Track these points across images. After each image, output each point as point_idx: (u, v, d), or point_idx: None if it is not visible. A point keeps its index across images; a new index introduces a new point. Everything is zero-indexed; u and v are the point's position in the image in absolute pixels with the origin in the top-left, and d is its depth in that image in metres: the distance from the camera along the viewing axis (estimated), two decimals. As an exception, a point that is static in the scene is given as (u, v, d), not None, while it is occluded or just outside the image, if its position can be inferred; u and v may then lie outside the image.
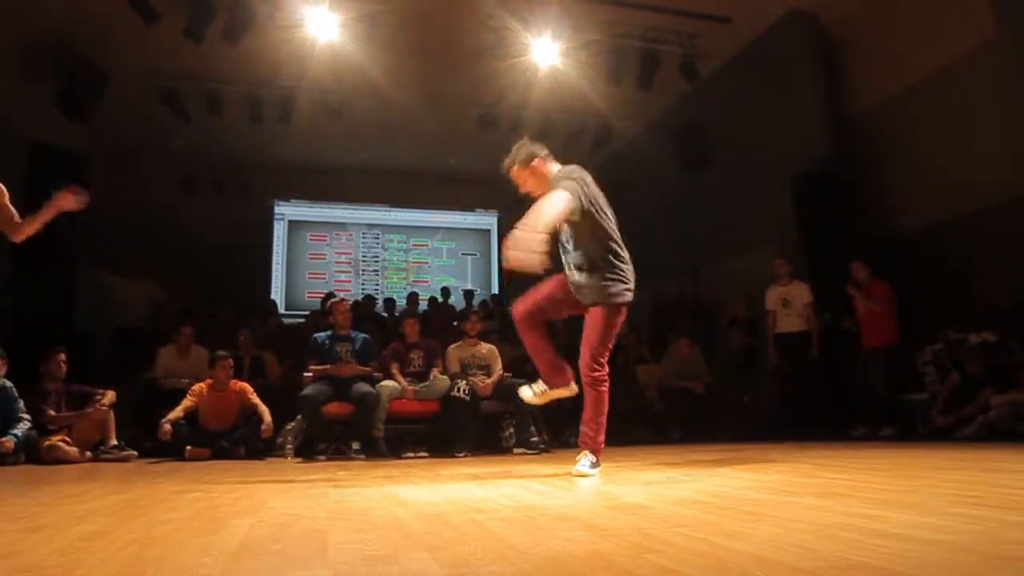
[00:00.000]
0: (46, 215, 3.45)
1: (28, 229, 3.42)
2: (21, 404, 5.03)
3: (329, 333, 5.66)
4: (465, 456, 5.10)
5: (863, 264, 6.46)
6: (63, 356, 5.45)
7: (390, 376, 5.60)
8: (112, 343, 8.10)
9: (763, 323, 7.11)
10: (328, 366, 5.38)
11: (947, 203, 6.54)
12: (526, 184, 3.39)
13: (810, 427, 6.35)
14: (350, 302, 5.93)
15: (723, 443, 6.13)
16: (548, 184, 3.23)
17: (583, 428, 3.36)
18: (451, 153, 10.90)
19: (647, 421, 6.84)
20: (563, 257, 3.39)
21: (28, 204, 7.03)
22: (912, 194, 6.97)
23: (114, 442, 5.32)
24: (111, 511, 2.36)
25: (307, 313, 9.47)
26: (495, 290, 12.28)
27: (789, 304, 6.74)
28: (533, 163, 3.33)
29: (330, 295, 9.73)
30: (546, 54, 8.02)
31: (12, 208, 3.41)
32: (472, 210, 12.71)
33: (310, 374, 5.43)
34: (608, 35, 8.14)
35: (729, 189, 8.65)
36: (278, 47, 7.90)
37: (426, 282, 12.04)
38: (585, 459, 3.26)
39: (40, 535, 1.86)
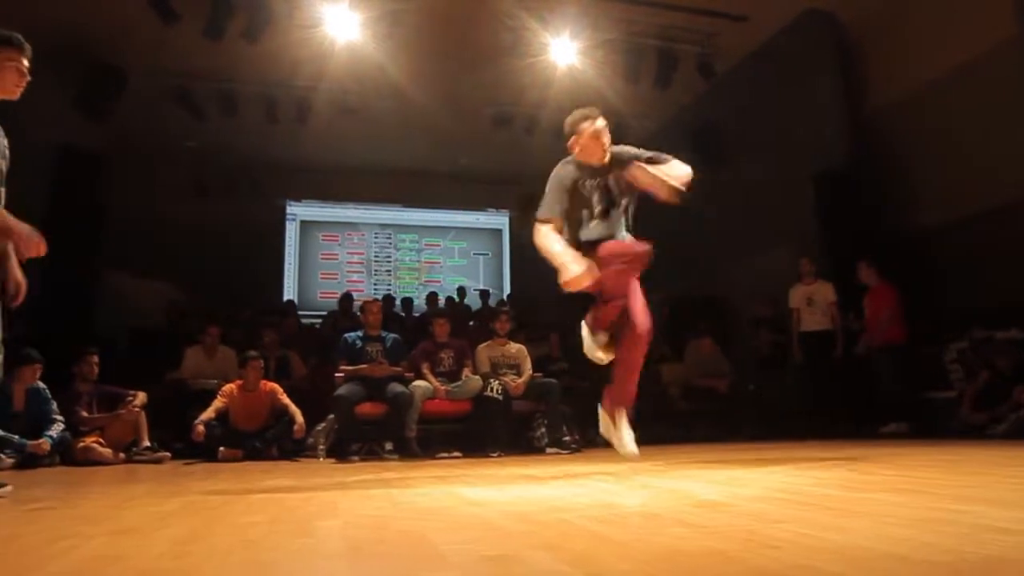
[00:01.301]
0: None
1: None
2: (55, 405, 5.04)
3: (360, 333, 5.66)
4: (499, 456, 5.11)
5: (867, 265, 6.50)
6: (95, 358, 5.46)
7: (420, 376, 5.60)
8: (130, 344, 8.09)
9: (787, 322, 7.12)
10: (363, 366, 5.38)
11: (969, 200, 6.55)
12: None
13: (833, 425, 6.38)
14: (380, 302, 5.91)
15: (749, 441, 6.15)
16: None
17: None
18: (464, 153, 10.91)
19: (671, 420, 6.85)
20: (604, 225, 3.43)
21: (53, 207, 7.07)
22: (932, 191, 6.99)
23: (147, 443, 5.32)
24: (187, 513, 2.36)
25: (324, 313, 9.48)
26: (507, 290, 12.29)
27: (813, 303, 6.77)
28: None
29: (347, 296, 9.74)
30: (564, 53, 8.03)
31: None
32: (484, 210, 12.71)
33: (341, 374, 5.43)
34: (625, 34, 8.15)
35: (745, 188, 8.66)
36: (297, 47, 7.89)
37: (438, 282, 12.04)
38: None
39: (133, 538, 1.86)
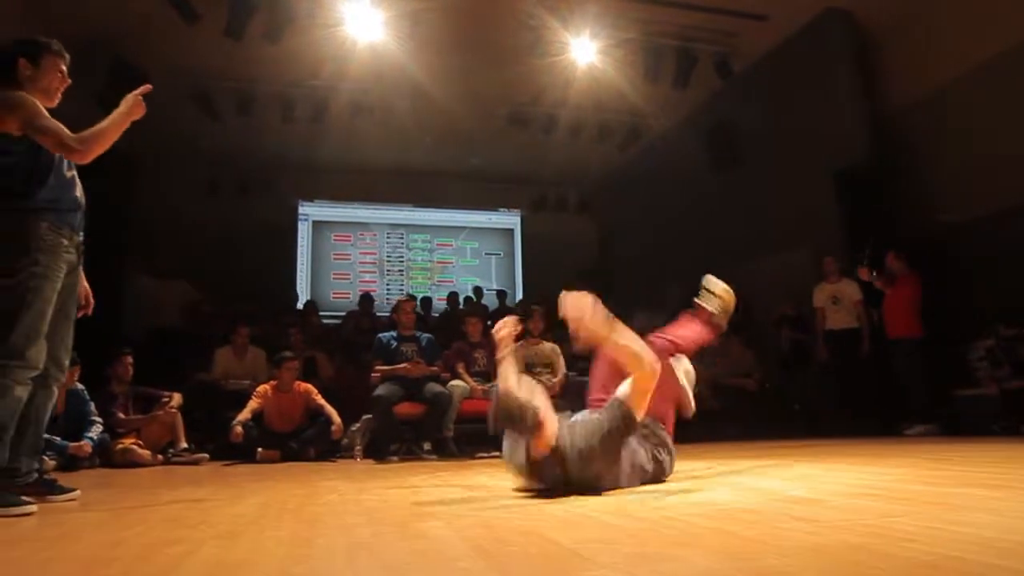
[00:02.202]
0: (119, 125, 2.84)
1: (94, 146, 2.76)
2: (93, 407, 5.02)
3: (394, 333, 5.65)
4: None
5: (897, 256, 6.53)
6: (130, 359, 5.45)
7: (456, 376, 5.59)
8: (150, 344, 8.06)
9: (812, 320, 7.14)
10: (402, 365, 5.37)
11: (991, 198, 6.58)
12: None
13: (860, 423, 6.40)
14: (414, 302, 5.90)
15: (781, 440, 6.16)
16: None
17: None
18: (479, 152, 10.90)
19: (700, 419, 6.84)
20: None
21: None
22: (953, 190, 7.01)
23: (184, 445, 5.31)
24: (269, 514, 2.35)
25: (342, 314, 9.46)
26: (520, 290, 12.30)
27: (839, 301, 6.79)
28: None
29: (367, 296, 9.75)
30: (584, 53, 8.03)
31: (52, 125, 2.71)
32: (496, 209, 12.71)
33: (377, 374, 5.42)
34: (645, 33, 8.15)
35: (764, 187, 8.67)
36: (317, 46, 7.87)
37: (451, 282, 12.04)
38: None
39: (242, 542, 1.85)
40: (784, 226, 8.33)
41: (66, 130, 2.70)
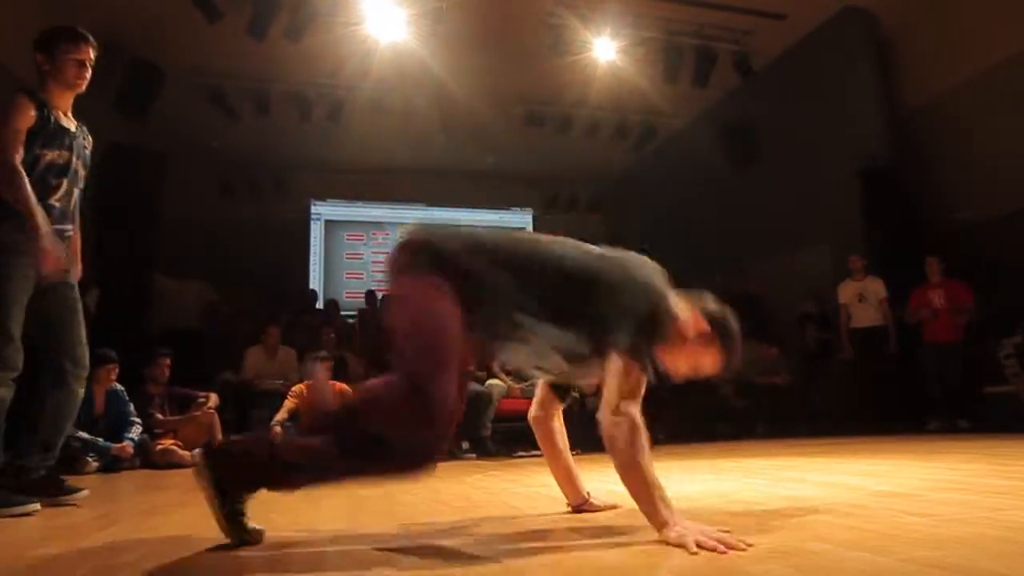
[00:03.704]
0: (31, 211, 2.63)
1: (4, 183, 2.60)
2: (132, 408, 5.00)
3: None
4: (578, 454, 5.09)
5: (936, 260, 6.57)
6: (167, 360, 5.43)
7: (491, 374, 5.60)
8: (170, 345, 8.03)
9: (835, 318, 7.17)
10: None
11: (1011, 196, 6.62)
12: None
13: (883, 420, 6.44)
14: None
15: (810, 438, 6.20)
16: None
17: None
18: (494, 151, 10.89)
19: (726, 418, 6.89)
20: None
21: (106, 205, 7.02)
22: (974, 188, 7.05)
23: (222, 445, 5.29)
24: (363, 511, 2.36)
25: (354, 313, 9.45)
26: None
27: (865, 299, 6.82)
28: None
29: (371, 293, 9.74)
30: (604, 52, 8.05)
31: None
32: (508, 208, 12.71)
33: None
34: (664, 32, 8.18)
35: (782, 185, 8.70)
36: (338, 45, 7.86)
37: (463, 281, 11.98)
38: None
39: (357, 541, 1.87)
40: (802, 224, 8.36)
41: (11, 151, 2.61)
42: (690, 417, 6.67)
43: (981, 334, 6.46)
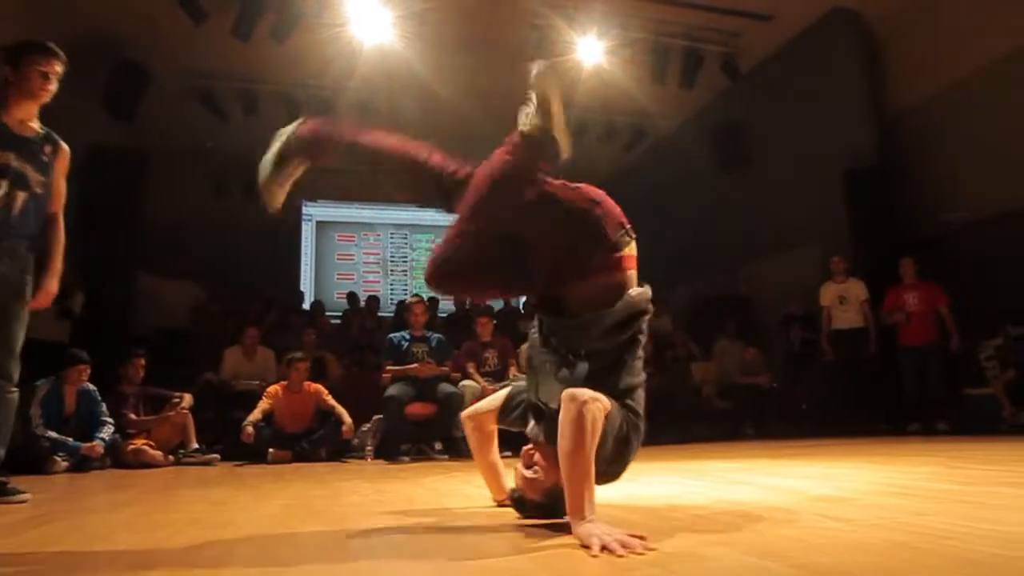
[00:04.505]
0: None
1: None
2: (104, 407, 5.01)
3: (405, 334, 5.64)
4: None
5: (911, 261, 6.53)
6: (142, 360, 5.44)
7: (466, 376, 5.59)
8: (157, 344, 8.05)
9: (818, 320, 7.14)
10: (412, 366, 5.37)
11: (998, 197, 6.59)
12: None
13: (864, 422, 6.42)
14: (425, 303, 5.88)
15: (789, 439, 6.18)
16: None
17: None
18: (484, 152, 10.87)
19: (707, 419, 6.86)
20: None
21: (89, 207, 7.05)
22: (961, 189, 7.02)
23: (195, 445, 5.30)
24: (295, 516, 2.36)
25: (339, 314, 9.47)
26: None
27: (845, 300, 6.79)
28: None
29: (352, 295, 9.77)
30: (590, 52, 8.03)
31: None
32: (500, 209, 12.68)
33: (387, 375, 5.41)
34: (651, 33, 8.16)
35: (771, 186, 8.68)
36: (324, 46, 7.87)
37: (455, 282, 11.98)
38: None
39: (280, 542, 1.86)
40: (791, 225, 8.34)
41: None
42: (667, 417, 6.63)
43: (961, 336, 6.42)
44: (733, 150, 8.96)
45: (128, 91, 7.77)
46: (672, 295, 9.68)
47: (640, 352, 1.88)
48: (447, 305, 9.28)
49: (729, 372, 7.44)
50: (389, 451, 5.25)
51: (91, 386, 4.97)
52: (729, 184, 9.15)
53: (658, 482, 2.99)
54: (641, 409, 1.83)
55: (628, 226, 1.91)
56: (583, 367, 1.79)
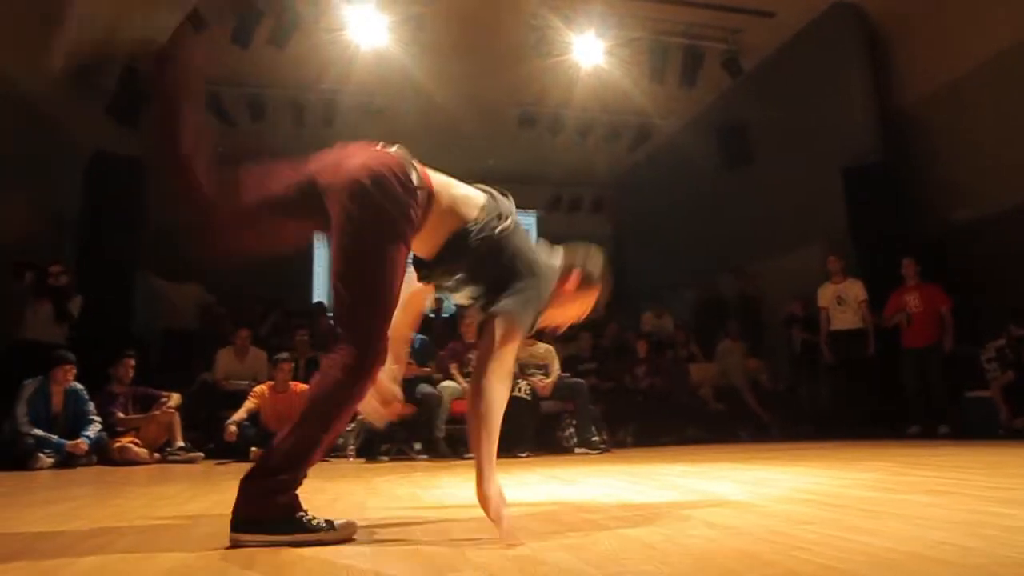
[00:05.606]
0: None
1: None
2: (92, 406, 5.15)
3: (387, 335, 5.68)
4: (527, 456, 5.11)
5: (912, 262, 6.38)
6: (132, 361, 5.58)
7: (448, 376, 5.62)
8: (163, 345, 8.23)
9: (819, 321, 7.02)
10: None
11: (1003, 196, 6.42)
12: None
13: (865, 425, 6.29)
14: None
15: (783, 442, 6.09)
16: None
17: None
18: (490, 154, 10.90)
19: (703, 421, 6.79)
20: None
21: (90, 211, 7.25)
22: (965, 187, 6.85)
23: (181, 444, 5.41)
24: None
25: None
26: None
27: (843, 301, 6.66)
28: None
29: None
30: (589, 52, 8.00)
31: None
32: (510, 210, 12.69)
33: (370, 375, 5.45)
34: (651, 32, 8.09)
35: (774, 185, 8.56)
36: (322, 51, 7.97)
37: (466, 283, 12.02)
38: None
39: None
40: (794, 224, 8.21)
41: None
42: (663, 419, 6.58)
43: (965, 337, 6.26)
44: (735, 149, 8.85)
45: (134, 98, 7.95)
46: (675, 296, 9.61)
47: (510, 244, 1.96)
48: (449, 305, 9.32)
49: (729, 373, 7.35)
50: (370, 451, 5.30)
51: (79, 385, 5.11)
52: (731, 183, 9.04)
53: (591, 483, 2.98)
54: (538, 269, 1.98)
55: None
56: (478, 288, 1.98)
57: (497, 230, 1.94)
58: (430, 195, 1.92)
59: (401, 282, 1.85)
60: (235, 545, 1.64)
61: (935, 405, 6.11)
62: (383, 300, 1.80)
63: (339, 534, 1.72)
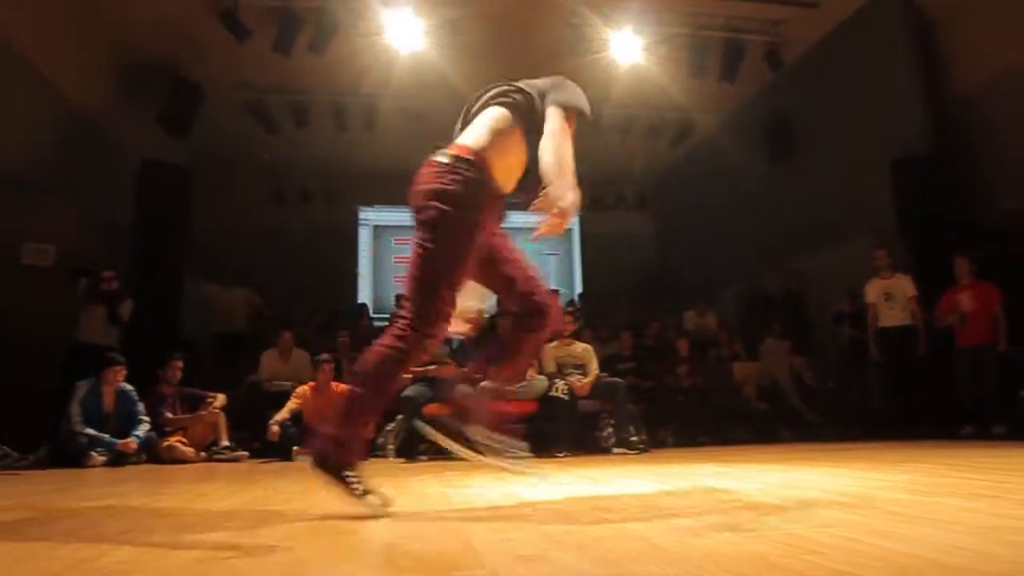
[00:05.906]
0: None
1: None
2: (141, 407, 5.34)
3: (425, 335, 5.73)
4: (565, 456, 5.10)
5: (966, 261, 6.15)
6: (180, 363, 5.76)
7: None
8: (215, 348, 8.49)
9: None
10: (430, 367, 5.47)
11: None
12: None
13: (917, 425, 6.09)
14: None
15: (828, 442, 5.95)
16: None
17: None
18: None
19: (745, 421, 6.68)
20: None
21: (141, 219, 7.52)
22: (1018, 177, 6.57)
23: (226, 443, 5.57)
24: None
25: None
26: (578, 289, 12.24)
27: (892, 297, 6.46)
28: None
29: (399, 296, 9.93)
30: (627, 49, 7.94)
31: None
32: (553, 210, 12.67)
33: (408, 375, 5.52)
34: (690, 27, 8.00)
35: (820, 179, 8.36)
36: (360, 55, 8.09)
37: (510, 283, 12.06)
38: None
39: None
40: (841, 218, 8.01)
41: None
42: (705, 419, 6.50)
43: (1019, 337, 6.01)
44: (779, 143, 8.67)
45: (184, 108, 8.21)
46: (719, 293, 9.46)
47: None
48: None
49: (773, 372, 7.21)
50: (409, 451, 5.37)
51: (128, 386, 5.30)
52: (774, 178, 8.86)
53: (621, 483, 2.97)
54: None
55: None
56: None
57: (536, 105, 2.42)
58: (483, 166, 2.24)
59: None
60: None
61: (988, 406, 5.88)
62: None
63: (367, 503, 2.02)
